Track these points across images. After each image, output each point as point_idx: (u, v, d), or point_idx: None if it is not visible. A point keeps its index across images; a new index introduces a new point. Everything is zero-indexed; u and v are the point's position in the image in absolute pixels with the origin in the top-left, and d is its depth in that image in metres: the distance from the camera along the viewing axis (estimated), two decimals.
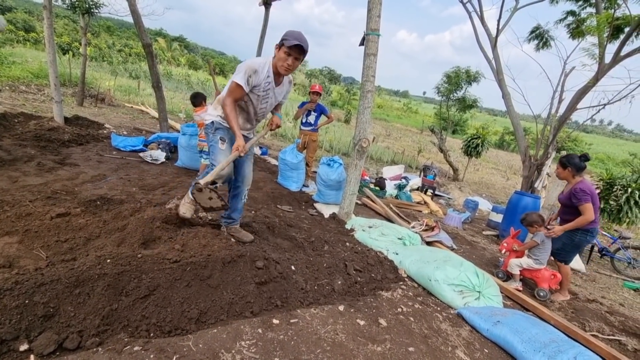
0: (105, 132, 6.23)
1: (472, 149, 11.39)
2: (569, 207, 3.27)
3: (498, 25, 7.23)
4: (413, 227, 4.30)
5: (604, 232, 5.60)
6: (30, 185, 3.34)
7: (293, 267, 2.47)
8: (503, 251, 3.65)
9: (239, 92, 2.25)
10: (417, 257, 3.14)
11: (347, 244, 3.32)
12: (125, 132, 6.64)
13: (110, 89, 11.86)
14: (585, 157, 3.28)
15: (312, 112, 5.02)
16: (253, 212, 3.64)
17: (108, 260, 1.86)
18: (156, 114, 10.50)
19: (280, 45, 2.25)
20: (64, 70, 11.83)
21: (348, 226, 3.82)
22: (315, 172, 5.94)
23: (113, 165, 4.44)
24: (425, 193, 7.25)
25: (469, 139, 11.61)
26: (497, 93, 7.48)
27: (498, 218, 5.70)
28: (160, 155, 5.10)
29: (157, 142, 5.58)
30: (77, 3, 8.62)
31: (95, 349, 1.52)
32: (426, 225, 4.40)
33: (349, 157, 12.32)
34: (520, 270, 3.43)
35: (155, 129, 7.44)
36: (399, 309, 2.48)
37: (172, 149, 5.53)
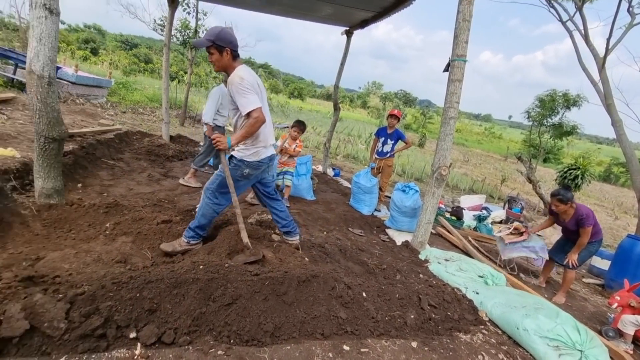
0: (200, 149, 7.07)
1: (570, 181, 9.99)
2: (574, 231, 3.59)
3: (607, 44, 6.39)
4: (500, 232, 3.94)
5: None
6: (142, 193, 3.94)
7: (364, 294, 2.43)
8: (614, 306, 3.07)
9: None
10: (501, 300, 2.82)
11: (421, 275, 3.14)
12: None
13: None
14: (568, 187, 3.67)
15: (389, 140, 4.98)
16: (325, 233, 3.72)
17: (201, 267, 2.07)
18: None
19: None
20: (171, 96, 13.89)
21: (422, 256, 3.63)
22: (389, 197, 5.83)
23: (205, 179, 4.98)
24: None
25: (566, 169, 10.24)
26: (602, 118, 6.54)
27: (604, 265, 4.83)
28: None
29: None
30: (187, 39, 10.16)
31: (186, 347, 1.68)
32: (514, 229, 3.97)
33: (422, 183, 11.83)
34: (636, 331, 2.84)
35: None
36: (480, 357, 2.24)
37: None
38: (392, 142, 4.96)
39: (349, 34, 6.89)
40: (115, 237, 2.63)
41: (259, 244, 2.63)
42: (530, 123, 12.81)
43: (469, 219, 6.01)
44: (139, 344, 1.62)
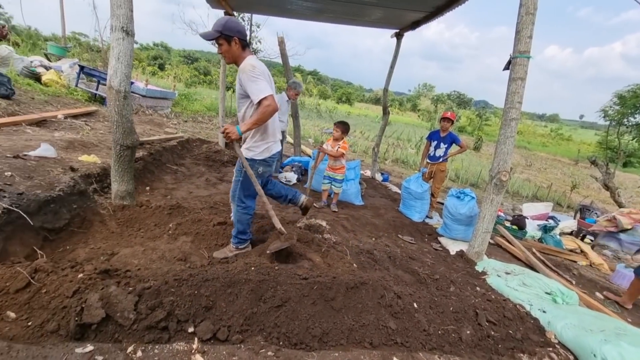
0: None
1: None
2: None
3: None
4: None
5: None
6: (200, 196, 4.22)
7: (415, 305, 2.33)
8: None
9: None
10: (574, 321, 2.52)
11: (478, 288, 2.93)
12: None
13: None
14: None
15: (442, 144, 4.76)
16: (374, 239, 3.65)
17: (252, 268, 2.15)
18: (291, 140, 11.95)
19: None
20: (227, 104, 14.76)
21: (479, 268, 3.39)
22: (441, 203, 5.56)
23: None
24: (582, 239, 5.83)
25: None
26: None
27: None
28: (292, 177, 5.71)
29: (291, 165, 6.27)
30: None
31: (238, 345, 1.75)
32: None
33: (477, 189, 11.10)
34: None
35: (290, 152, 8.39)
36: None
37: (302, 172, 6.12)
38: (446, 145, 4.73)
39: (399, 36, 6.75)
40: (177, 237, 2.84)
41: (308, 248, 2.66)
42: (607, 123, 11.36)
43: (532, 228, 5.49)
44: (196, 339, 1.73)
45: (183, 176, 4.96)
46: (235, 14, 7.31)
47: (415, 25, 6.14)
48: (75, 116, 5.77)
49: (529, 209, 6.76)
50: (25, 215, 2.21)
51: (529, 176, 17.47)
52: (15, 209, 2.19)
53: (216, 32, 2.18)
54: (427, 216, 4.81)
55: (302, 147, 8.95)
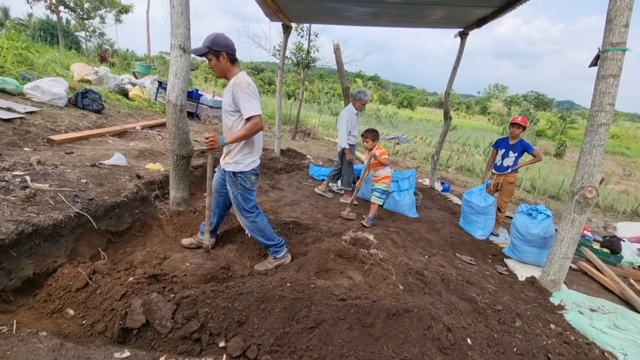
0: (305, 162, 7.47)
1: None
2: None
3: None
4: None
5: None
6: None
7: (469, 341, 2.03)
8: None
9: None
10: None
11: (552, 326, 2.47)
12: (320, 162, 7.74)
13: (315, 125, 14.34)
14: None
15: (511, 152, 4.21)
16: (426, 257, 3.34)
17: (288, 284, 2.08)
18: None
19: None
20: (286, 112, 15.27)
21: (555, 300, 2.88)
22: (510, 217, 4.96)
23: (307, 192, 5.19)
24: None
25: None
26: None
27: None
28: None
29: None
30: (300, 61, 11.03)
31: None
32: None
33: (559, 201, 9.74)
34: None
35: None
36: None
37: (355, 180, 5.96)
38: (516, 154, 4.17)
39: (463, 35, 6.25)
40: (223, 244, 2.92)
41: (349, 265, 2.51)
42: None
43: (630, 253, 4.55)
44: (225, 355, 1.70)
45: None
46: (293, 25, 7.51)
47: (481, 22, 5.62)
48: (151, 127, 6.42)
49: (626, 229, 5.65)
50: (92, 220, 2.45)
51: (627, 188, 14.88)
52: (84, 214, 2.43)
53: (205, 47, 2.25)
54: (491, 233, 4.29)
55: (357, 153, 8.81)
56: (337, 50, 6.92)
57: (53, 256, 2.16)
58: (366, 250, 3.03)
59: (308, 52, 10.75)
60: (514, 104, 49.07)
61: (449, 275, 2.89)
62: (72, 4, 20.49)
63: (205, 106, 9.52)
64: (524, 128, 4.19)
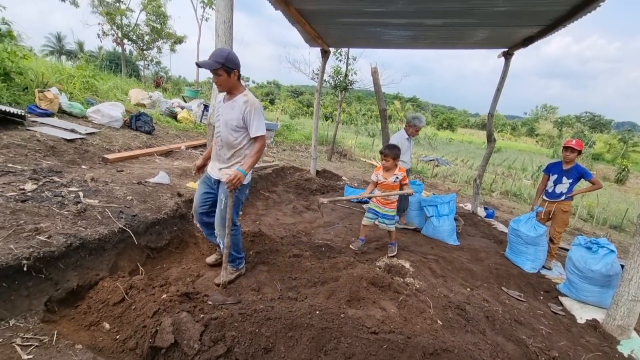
0: (341, 183, 7.42)
1: None
2: None
3: None
4: None
5: None
6: (285, 224, 4.34)
7: None
8: None
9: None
10: None
11: None
12: (356, 184, 7.65)
13: (352, 147, 14.35)
14: None
15: (565, 178, 3.84)
16: (468, 289, 3.08)
17: (317, 312, 1.99)
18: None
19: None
20: (323, 133, 15.49)
21: (624, 350, 2.49)
22: (565, 249, 4.50)
23: (341, 214, 5.11)
24: None
25: None
26: None
27: None
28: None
29: None
30: (337, 84, 11.23)
31: None
32: None
33: (622, 233, 8.72)
34: None
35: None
36: None
37: (405, 206, 5.77)
38: (570, 180, 3.79)
39: (507, 55, 6.01)
40: (255, 265, 2.90)
41: (382, 295, 2.36)
42: None
43: None
44: None
45: (273, 203, 5.22)
46: (332, 49, 7.70)
47: (527, 42, 5.37)
48: (195, 147, 6.78)
49: None
50: (133, 236, 2.57)
51: None
52: (127, 229, 2.56)
53: (217, 63, 2.24)
54: (543, 266, 3.88)
55: (373, 161, 8.61)
56: (374, 72, 6.95)
57: (96, 269, 2.27)
58: (401, 279, 2.86)
59: (346, 75, 10.94)
60: (565, 125, 45.86)
61: (494, 312, 2.63)
62: (134, 37, 22.88)
63: None
64: (580, 152, 3.83)
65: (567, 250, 4.74)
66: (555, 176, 3.91)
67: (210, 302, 2.15)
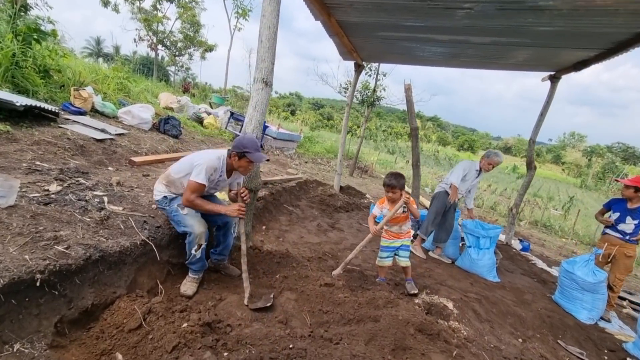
0: (365, 201, 7.12)
1: None
2: None
3: None
4: None
5: None
6: (310, 243, 4.07)
7: None
8: None
9: (201, 189, 2.37)
10: None
11: None
12: None
13: (373, 163, 14.05)
14: None
15: (630, 218, 3.41)
16: (520, 340, 2.70)
17: None
18: (408, 189, 11.31)
19: (241, 156, 2.40)
20: (346, 147, 15.27)
21: None
22: (626, 300, 4.02)
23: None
24: None
25: None
26: None
27: None
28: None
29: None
30: (365, 99, 11.05)
31: None
32: None
33: None
34: None
35: None
36: None
37: (419, 226, 5.43)
38: (636, 222, 3.37)
39: (554, 79, 5.66)
40: (282, 291, 2.63)
41: (432, 345, 2.03)
42: None
43: None
44: None
45: (297, 218, 4.98)
46: (364, 63, 7.53)
47: (580, 66, 5.02)
48: None
49: None
50: (155, 250, 2.36)
51: None
52: (149, 242, 2.35)
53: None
54: (602, 317, 3.42)
55: (421, 198, 8.23)
56: (408, 89, 6.71)
57: (114, 286, 2.06)
58: (445, 323, 2.52)
59: (374, 90, 10.75)
60: (595, 155, 44.03)
61: None
62: (168, 43, 23.66)
63: (270, 137, 9.83)
64: (637, 190, 3.37)
65: (632, 302, 4.25)
66: (618, 214, 3.49)
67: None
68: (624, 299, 4.26)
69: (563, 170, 48.71)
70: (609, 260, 3.55)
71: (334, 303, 2.48)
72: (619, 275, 3.47)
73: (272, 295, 2.48)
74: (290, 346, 1.86)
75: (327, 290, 2.61)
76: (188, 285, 2.46)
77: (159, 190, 2.52)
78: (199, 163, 2.35)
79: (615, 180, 3.87)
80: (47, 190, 2.48)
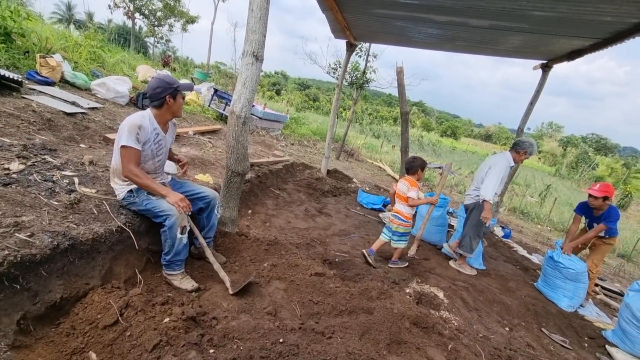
0: (352, 186, 7.03)
1: None
2: None
3: None
4: None
5: None
6: (298, 229, 3.95)
7: None
8: None
9: (134, 154, 2.12)
10: None
11: None
12: (367, 188, 7.27)
13: (360, 147, 13.95)
14: None
15: (595, 224, 3.47)
16: (507, 329, 2.72)
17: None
18: (391, 172, 11.29)
19: (175, 93, 2.25)
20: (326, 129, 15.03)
21: None
22: (598, 287, 4.16)
23: (356, 222, 4.73)
24: None
25: None
26: None
27: None
28: None
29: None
30: (354, 81, 10.79)
31: None
32: None
33: (630, 262, 8.40)
34: None
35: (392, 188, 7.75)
36: None
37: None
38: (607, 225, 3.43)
39: (546, 68, 5.63)
40: (270, 280, 2.52)
41: (427, 338, 1.99)
42: None
43: None
44: None
45: (284, 202, 4.83)
46: (356, 43, 7.25)
47: (574, 55, 4.98)
48: (202, 133, 6.34)
49: None
50: (133, 236, 2.17)
51: None
52: (127, 229, 2.16)
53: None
54: (580, 305, 3.53)
55: (420, 193, 8.23)
56: (400, 72, 6.52)
57: (86, 277, 1.87)
58: (436, 312, 2.49)
59: (364, 72, 10.49)
60: (570, 145, 45.61)
61: None
62: (146, 12, 22.21)
63: (255, 117, 9.49)
64: (605, 199, 3.37)
65: (603, 287, 4.40)
66: (587, 220, 3.56)
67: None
68: (596, 284, 4.43)
69: (539, 159, 50.34)
70: (590, 246, 3.62)
71: (324, 293, 2.40)
72: (596, 260, 3.57)
73: (253, 274, 2.41)
74: (281, 340, 1.76)
75: (318, 279, 2.51)
76: (184, 282, 2.28)
77: (119, 188, 2.26)
78: (121, 128, 2.12)
79: (586, 191, 3.91)
80: (8, 169, 2.22)
